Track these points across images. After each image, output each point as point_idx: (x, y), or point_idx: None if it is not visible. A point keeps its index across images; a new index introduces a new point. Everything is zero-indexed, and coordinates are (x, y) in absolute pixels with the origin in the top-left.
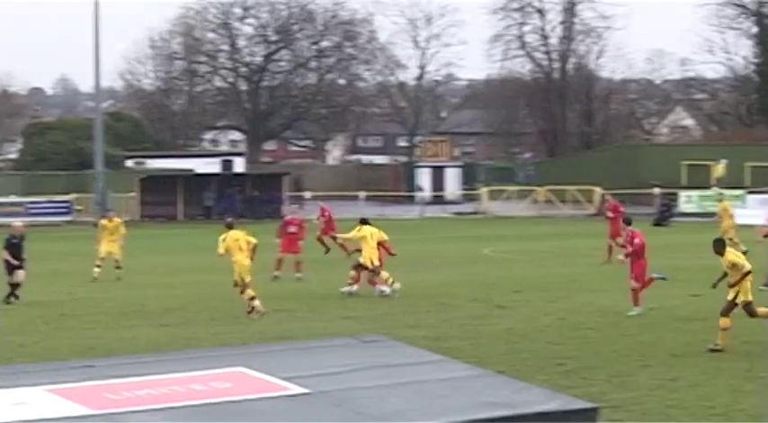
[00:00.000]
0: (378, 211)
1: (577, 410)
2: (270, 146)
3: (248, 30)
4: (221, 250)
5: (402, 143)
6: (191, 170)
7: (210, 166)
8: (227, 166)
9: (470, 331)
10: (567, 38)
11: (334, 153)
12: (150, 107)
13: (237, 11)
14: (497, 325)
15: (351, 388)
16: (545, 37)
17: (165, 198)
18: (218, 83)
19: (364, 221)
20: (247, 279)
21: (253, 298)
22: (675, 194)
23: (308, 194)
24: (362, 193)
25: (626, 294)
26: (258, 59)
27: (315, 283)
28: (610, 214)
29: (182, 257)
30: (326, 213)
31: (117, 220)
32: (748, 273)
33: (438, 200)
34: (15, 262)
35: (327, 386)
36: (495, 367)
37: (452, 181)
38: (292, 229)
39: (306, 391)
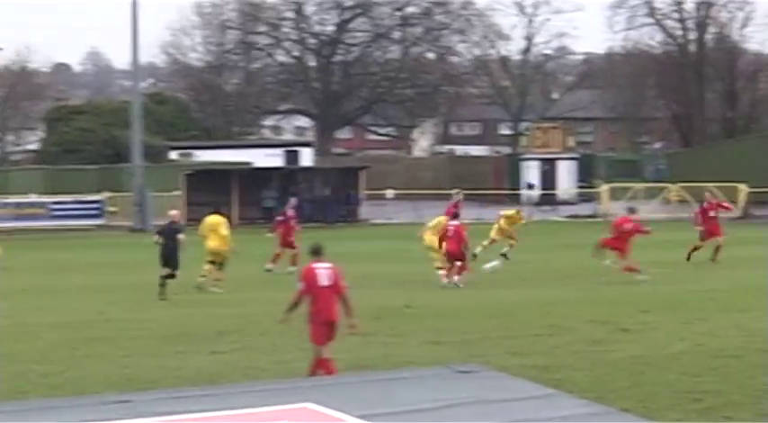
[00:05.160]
0: (475, 214)
1: None
2: (344, 134)
3: None
4: None
5: (504, 131)
6: (248, 164)
7: (272, 158)
8: (291, 158)
9: (588, 359)
10: (706, 2)
11: (422, 143)
12: (199, 87)
13: None
14: (621, 352)
15: None
16: (679, 2)
17: (217, 198)
18: (281, 58)
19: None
20: None
21: None
22: None
23: (389, 193)
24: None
25: None
26: (330, 29)
27: (397, 299)
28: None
29: (237, 270)
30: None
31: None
32: None
33: (548, 199)
34: None
35: None
36: (619, 403)
37: (566, 177)
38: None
39: None
